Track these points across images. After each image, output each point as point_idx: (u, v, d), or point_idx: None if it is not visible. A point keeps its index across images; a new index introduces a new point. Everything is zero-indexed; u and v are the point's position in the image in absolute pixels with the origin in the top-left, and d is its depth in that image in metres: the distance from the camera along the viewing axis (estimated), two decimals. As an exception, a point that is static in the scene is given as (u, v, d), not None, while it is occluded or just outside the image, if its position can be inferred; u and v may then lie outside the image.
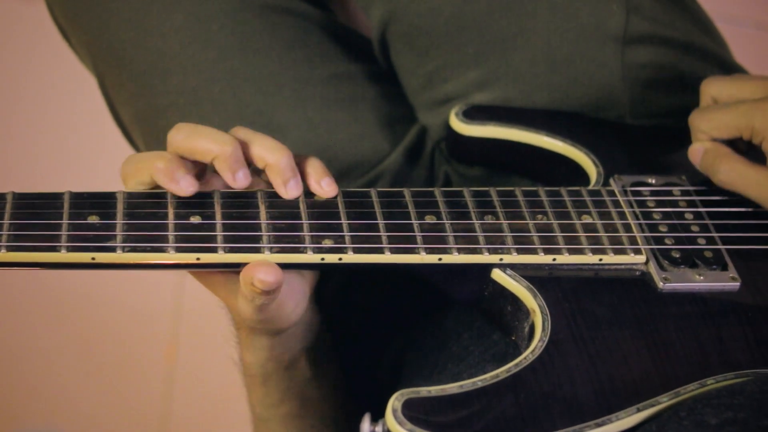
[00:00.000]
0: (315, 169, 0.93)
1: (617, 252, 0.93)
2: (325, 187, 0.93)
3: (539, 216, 0.94)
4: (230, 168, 0.90)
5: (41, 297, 1.90)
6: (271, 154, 0.91)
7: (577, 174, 1.04)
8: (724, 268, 0.94)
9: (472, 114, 1.07)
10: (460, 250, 0.91)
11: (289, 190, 0.92)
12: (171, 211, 0.89)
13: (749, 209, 0.98)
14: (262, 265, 0.86)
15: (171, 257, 0.87)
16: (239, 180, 0.91)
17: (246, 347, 0.98)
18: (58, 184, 1.90)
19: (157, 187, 0.90)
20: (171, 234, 0.88)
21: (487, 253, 0.91)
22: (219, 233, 0.88)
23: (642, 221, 0.96)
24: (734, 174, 0.96)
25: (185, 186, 0.90)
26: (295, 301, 0.93)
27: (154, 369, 1.89)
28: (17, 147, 1.92)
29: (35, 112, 1.91)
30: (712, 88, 1.00)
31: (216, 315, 1.86)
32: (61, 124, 1.91)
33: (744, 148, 0.98)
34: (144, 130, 1.20)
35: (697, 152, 0.98)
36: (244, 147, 0.92)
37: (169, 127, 1.15)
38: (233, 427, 1.91)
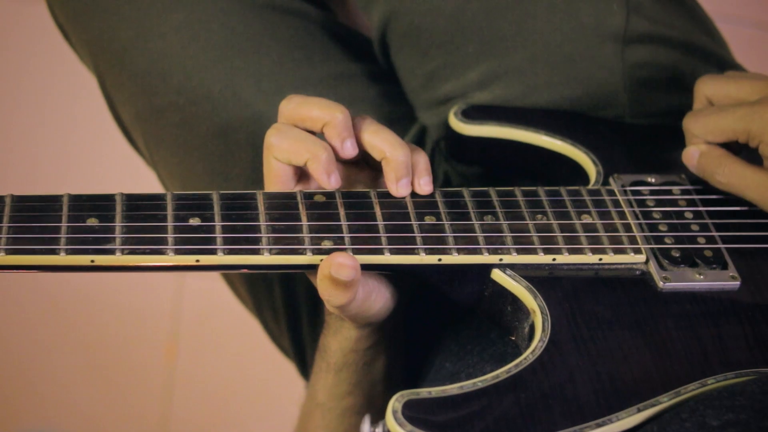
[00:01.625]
0: (419, 165, 0.94)
1: (617, 252, 0.93)
2: (423, 186, 0.94)
3: (539, 216, 0.94)
4: (339, 135, 0.92)
5: (41, 297, 1.90)
6: (392, 149, 0.92)
7: (577, 173, 1.04)
8: (724, 267, 0.94)
9: (471, 113, 1.07)
10: (459, 251, 0.91)
11: (401, 188, 0.93)
12: (170, 213, 0.89)
13: (749, 208, 0.98)
14: (340, 255, 0.87)
15: (170, 259, 0.87)
16: (347, 148, 0.92)
17: (333, 333, 0.98)
18: (58, 183, 1.92)
19: (295, 172, 0.93)
20: (170, 236, 0.88)
21: (486, 254, 0.91)
22: (218, 235, 0.88)
23: (642, 220, 0.96)
24: (733, 176, 0.96)
25: (334, 181, 0.91)
26: (382, 298, 0.93)
27: (154, 369, 1.89)
28: (17, 147, 1.92)
29: (35, 112, 1.91)
30: (707, 88, 0.99)
31: (216, 315, 1.87)
32: (62, 124, 1.91)
33: (737, 148, 0.98)
34: (144, 130, 1.20)
35: (692, 155, 0.98)
36: (360, 134, 0.93)
37: (169, 127, 1.16)
38: (233, 426, 1.92)
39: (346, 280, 0.87)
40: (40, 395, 1.91)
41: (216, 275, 1.30)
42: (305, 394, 1.07)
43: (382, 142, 0.93)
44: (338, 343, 0.98)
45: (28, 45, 1.87)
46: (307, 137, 0.92)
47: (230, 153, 1.15)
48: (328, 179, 0.91)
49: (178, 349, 1.88)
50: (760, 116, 0.93)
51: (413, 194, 0.94)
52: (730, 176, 0.96)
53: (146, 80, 1.16)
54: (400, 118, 1.18)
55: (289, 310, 1.22)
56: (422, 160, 0.94)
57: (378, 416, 0.85)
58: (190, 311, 1.88)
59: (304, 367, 1.27)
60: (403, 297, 0.96)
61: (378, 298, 0.93)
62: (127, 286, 1.88)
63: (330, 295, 0.88)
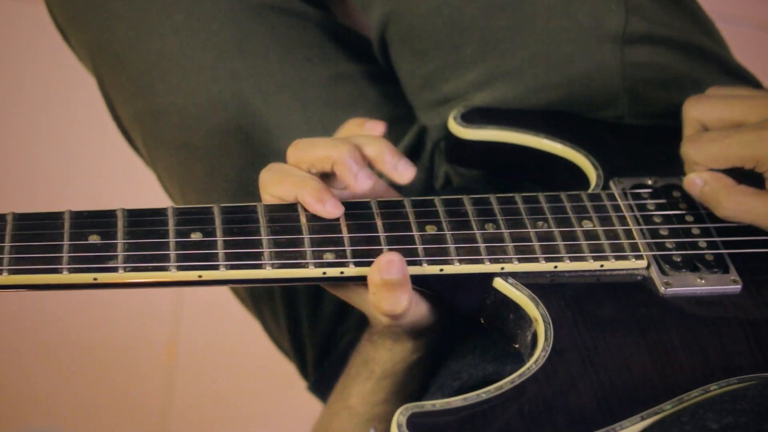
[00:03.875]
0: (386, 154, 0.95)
1: (618, 258, 0.93)
2: (402, 172, 0.95)
3: (540, 223, 0.94)
4: (350, 170, 0.92)
5: (41, 296, 1.89)
6: (334, 150, 0.93)
7: (577, 176, 1.04)
8: (726, 271, 0.94)
9: (471, 117, 1.06)
10: (461, 261, 0.91)
11: (360, 181, 0.93)
12: (171, 228, 0.89)
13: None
14: (383, 255, 0.87)
15: (173, 276, 0.87)
16: (361, 180, 0.92)
17: (381, 345, 0.98)
18: (58, 184, 1.92)
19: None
20: (172, 252, 0.88)
21: (488, 263, 0.91)
22: (220, 251, 0.88)
23: (643, 226, 0.96)
24: (740, 208, 0.93)
25: (330, 208, 0.91)
26: (426, 310, 0.93)
27: (154, 369, 1.89)
28: (16, 147, 1.92)
29: (35, 112, 1.91)
30: (695, 111, 0.97)
31: (216, 315, 1.87)
32: (61, 125, 1.91)
33: (741, 172, 0.95)
34: (144, 131, 1.20)
35: (696, 184, 0.95)
36: (305, 156, 0.93)
37: (168, 128, 1.16)
38: (233, 427, 1.92)
39: (399, 277, 0.87)
40: (40, 395, 1.91)
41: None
42: (333, 394, 1.06)
43: (324, 150, 0.93)
44: (391, 353, 0.98)
45: (28, 45, 1.87)
46: (294, 172, 0.93)
47: (229, 154, 1.15)
48: (323, 208, 0.91)
49: (178, 350, 1.89)
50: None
51: (414, 203, 0.94)
52: (737, 208, 0.93)
53: (145, 81, 1.16)
54: (399, 118, 1.18)
55: (289, 311, 1.22)
56: (386, 148, 0.94)
57: (384, 429, 0.85)
58: (190, 311, 1.88)
59: (304, 368, 1.27)
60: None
61: (420, 301, 0.93)
62: (126, 285, 1.88)
63: (390, 303, 0.88)
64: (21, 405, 1.91)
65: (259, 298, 1.24)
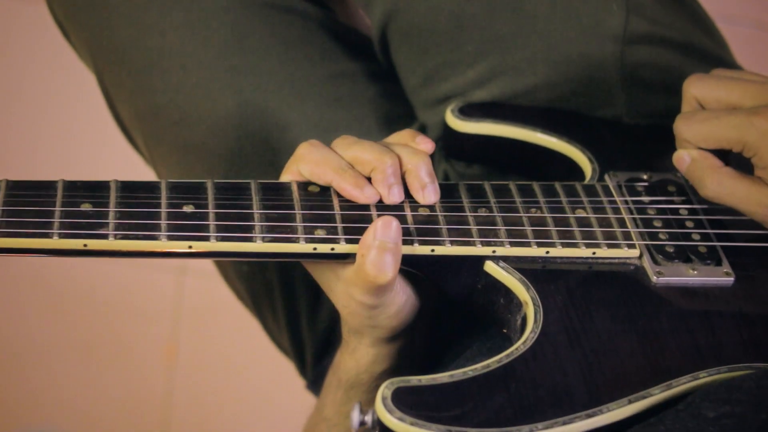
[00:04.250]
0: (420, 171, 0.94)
1: (611, 246, 0.93)
2: (426, 195, 0.94)
3: (533, 209, 0.95)
4: (386, 181, 0.92)
5: (41, 296, 1.90)
6: (379, 158, 0.93)
7: (573, 170, 1.04)
8: (718, 263, 0.94)
9: (468, 111, 1.07)
10: (452, 242, 0.91)
11: (392, 195, 0.93)
12: (164, 200, 0.89)
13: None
14: (380, 219, 0.88)
15: (163, 245, 0.87)
16: (393, 195, 0.93)
17: (351, 351, 0.97)
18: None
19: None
20: (163, 222, 0.88)
21: (479, 245, 0.91)
22: (211, 222, 0.89)
23: (636, 216, 0.96)
24: (722, 189, 0.93)
25: (369, 193, 0.92)
26: (406, 290, 0.93)
27: (154, 369, 1.89)
28: (17, 146, 1.93)
29: (35, 111, 1.92)
30: (695, 89, 0.96)
31: (216, 315, 1.87)
32: (61, 123, 1.91)
33: (730, 155, 0.95)
34: (144, 128, 1.20)
35: (684, 160, 0.95)
36: (344, 152, 0.94)
37: (168, 126, 1.16)
38: (233, 427, 1.92)
39: (391, 243, 0.88)
40: (40, 395, 1.91)
41: (215, 275, 1.30)
42: (315, 405, 1.06)
43: (369, 154, 0.93)
44: (354, 361, 0.97)
45: (28, 44, 1.88)
46: (336, 158, 0.93)
47: (229, 152, 1.16)
48: (362, 193, 0.92)
49: (178, 349, 1.89)
50: (757, 128, 0.91)
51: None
52: (720, 189, 0.93)
53: (145, 78, 1.16)
54: (399, 116, 1.19)
55: (288, 310, 1.22)
56: (425, 166, 0.94)
57: (368, 405, 0.85)
58: (190, 311, 1.88)
59: (304, 367, 1.27)
60: (425, 304, 0.96)
61: (402, 290, 0.93)
62: (127, 285, 1.88)
63: (376, 267, 0.87)
64: (21, 405, 1.91)
65: (258, 297, 1.24)
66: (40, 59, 1.87)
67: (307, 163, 0.93)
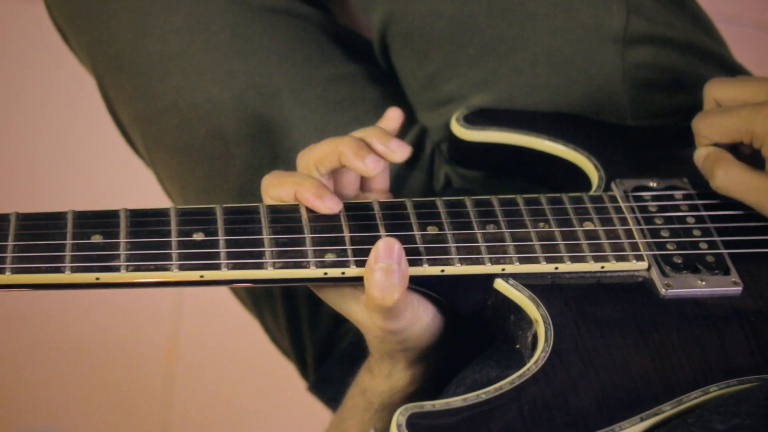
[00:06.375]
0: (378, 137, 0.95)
1: (619, 259, 0.93)
2: (396, 150, 0.95)
3: (541, 224, 0.94)
4: (356, 155, 0.92)
5: (41, 296, 1.89)
6: (338, 144, 0.93)
7: (579, 178, 1.04)
8: (726, 272, 0.94)
9: (473, 119, 1.07)
10: (462, 261, 0.91)
11: (368, 163, 0.93)
12: (174, 228, 0.89)
13: (751, 212, 0.97)
14: (384, 239, 0.88)
15: (174, 276, 0.87)
16: (370, 163, 0.92)
17: (385, 376, 0.97)
18: (58, 185, 1.91)
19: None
20: (174, 252, 0.88)
21: (489, 264, 0.91)
22: (222, 249, 0.88)
23: (644, 227, 0.96)
24: (730, 180, 0.95)
25: (329, 203, 0.92)
26: (428, 311, 0.93)
27: (154, 369, 1.89)
28: (16, 148, 1.92)
29: (35, 113, 1.91)
30: (715, 91, 0.99)
31: (216, 316, 1.87)
32: (61, 126, 1.91)
33: (748, 151, 0.97)
34: (144, 132, 1.20)
35: (701, 156, 0.97)
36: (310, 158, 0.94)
37: (168, 129, 1.16)
38: (233, 426, 1.92)
39: (393, 264, 0.87)
40: (40, 395, 1.91)
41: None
42: (332, 421, 1.04)
43: (327, 145, 0.93)
44: (389, 384, 0.97)
45: (28, 45, 1.87)
46: (292, 173, 0.93)
47: (229, 155, 1.15)
48: (322, 203, 0.91)
49: (178, 350, 1.89)
50: (764, 117, 0.93)
51: (415, 204, 0.94)
52: (728, 179, 0.95)
53: (145, 82, 1.16)
54: (399, 119, 1.18)
55: (289, 311, 1.22)
56: (374, 131, 0.95)
57: (382, 429, 0.85)
58: (190, 312, 1.88)
59: (304, 368, 1.27)
60: (445, 322, 0.95)
61: (424, 309, 0.93)
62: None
63: (381, 289, 0.87)
64: (21, 405, 1.91)
65: (259, 299, 1.24)
66: (40, 60, 1.86)
67: (271, 191, 0.93)
